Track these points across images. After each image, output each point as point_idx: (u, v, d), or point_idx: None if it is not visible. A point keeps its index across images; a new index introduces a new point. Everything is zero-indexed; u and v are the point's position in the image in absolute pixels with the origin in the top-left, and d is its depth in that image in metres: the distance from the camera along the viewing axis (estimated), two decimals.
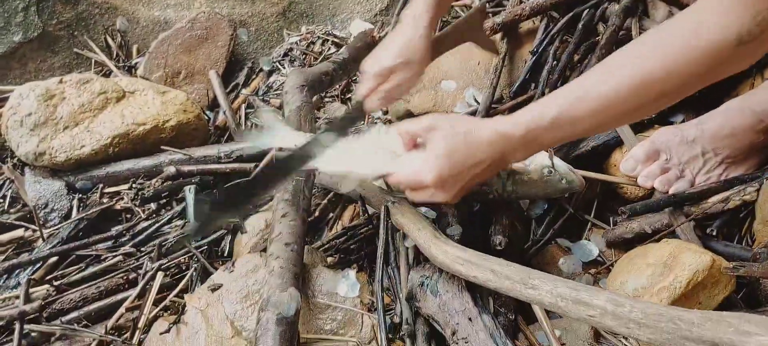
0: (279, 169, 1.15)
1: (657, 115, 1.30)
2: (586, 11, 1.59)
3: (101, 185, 1.47)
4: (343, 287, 1.07)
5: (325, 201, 1.36)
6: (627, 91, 0.85)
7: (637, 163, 1.19)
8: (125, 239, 1.32)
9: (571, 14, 1.60)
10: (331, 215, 1.33)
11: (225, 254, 1.29)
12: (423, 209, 1.19)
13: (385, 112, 1.77)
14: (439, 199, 1.00)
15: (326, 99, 1.86)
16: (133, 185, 1.44)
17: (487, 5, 1.85)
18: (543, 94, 1.44)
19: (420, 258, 1.13)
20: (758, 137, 1.14)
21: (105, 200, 1.43)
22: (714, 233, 1.09)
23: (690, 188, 1.15)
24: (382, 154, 1.07)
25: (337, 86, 1.88)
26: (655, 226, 1.13)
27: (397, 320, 1.06)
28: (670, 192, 1.15)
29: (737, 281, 1.01)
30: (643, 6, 1.60)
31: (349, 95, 1.88)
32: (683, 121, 1.28)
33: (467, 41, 1.43)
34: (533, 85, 1.53)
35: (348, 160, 1.10)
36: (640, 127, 1.30)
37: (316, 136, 1.13)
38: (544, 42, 1.57)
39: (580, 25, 1.56)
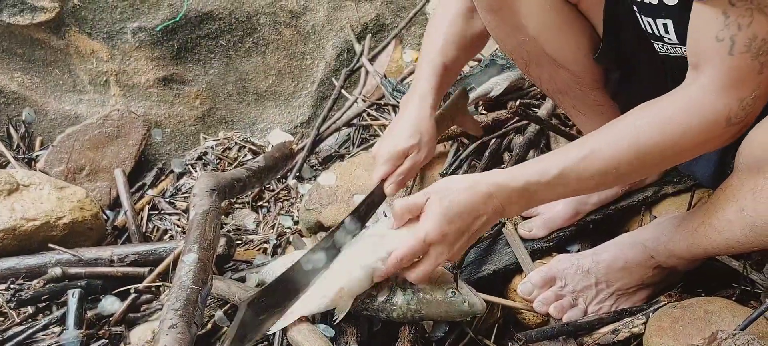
0: (302, 272, 1.09)
1: (554, 243, 1.34)
2: (493, 140, 1.66)
3: None
4: None
5: (222, 312, 1.30)
6: (632, 158, 0.93)
7: (534, 288, 1.21)
8: None
9: (479, 142, 1.66)
10: (224, 328, 1.26)
11: None
12: (321, 327, 1.15)
13: (296, 222, 1.76)
14: (444, 257, 1.01)
15: (236, 205, 1.83)
16: (12, 286, 1.33)
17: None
18: None
19: None
20: (648, 272, 1.18)
21: None
22: None
23: (582, 316, 1.17)
24: (365, 246, 1.06)
25: (249, 193, 1.86)
26: None
27: None
28: (564, 319, 1.17)
29: None
30: (546, 140, 1.69)
31: (261, 203, 1.85)
32: (579, 250, 1.33)
33: (455, 124, 1.48)
34: None
35: (334, 279, 1.07)
36: (538, 254, 1.33)
37: (340, 224, 1.12)
38: (454, 165, 1.63)
39: (487, 153, 1.63)
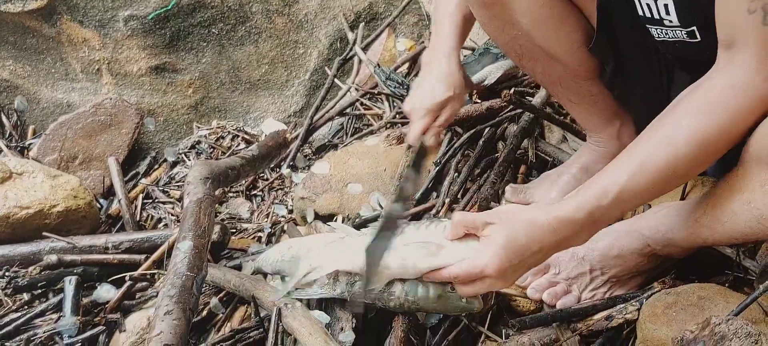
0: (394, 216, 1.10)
1: None
2: (487, 129, 1.67)
3: None
4: None
5: (216, 300, 1.30)
6: (684, 156, 0.91)
7: (528, 275, 1.22)
8: None
9: (473, 131, 1.67)
10: (219, 315, 1.27)
11: None
12: (316, 313, 1.16)
13: (290, 211, 1.76)
14: (497, 287, 1.01)
15: (230, 194, 1.83)
16: (6, 273, 1.32)
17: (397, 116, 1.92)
18: (443, 204, 1.48)
19: None
20: (643, 260, 1.19)
21: None
22: None
23: (576, 303, 1.18)
24: (421, 248, 1.06)
25: (243, 182, 1.85)
26: (544, 340, 1.14)
27: None
28: (557, 306, 1.18)
29: None
30: (540, 128, 1.70)
31: (255, 192, 1.85)
32: None
33: None
34: (435, 193, 1.57)
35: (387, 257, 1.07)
36: None
37: (404, 177, 1.16)
38: (448, 154, 1.63)
39: (480, 142, 1.63)
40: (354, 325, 1.15)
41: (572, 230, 0.96)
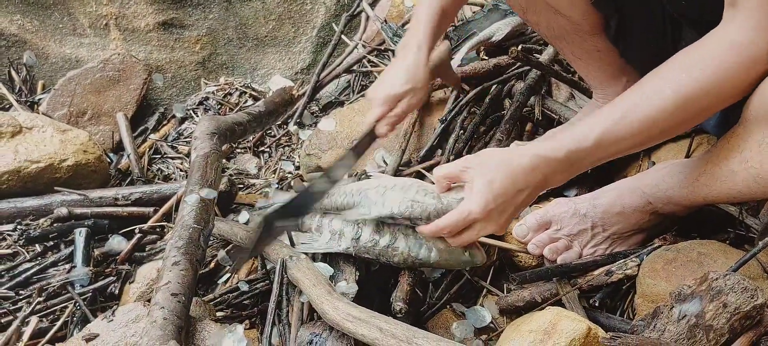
0: (314, 191, 1.15)
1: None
2: (493, 87, 1.66)
3: None
4: (228, 342, 1.03)
5: (224, 252, 1.33)
6: (671, 110, 0.91)
7: (529, 231, 1.23)
8: (3, 279, 1.23)
9: (479, 88, 1.66)
10: (226, 267, 1.29)
11: (112, 303, 1.22)
12: (321, 266, 1.18)
13: (297, 167, 1.77)
14: (488, 231, 1.04)
15: (238, 150, 1.85)
16: (19, 225, 1.36)
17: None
18: (448, 160, 1.48)
19: (313, 315, 1.11)
20: (644, 217, 1.20)
21: None
22: (597, 304, 1.13)
23: (577, 259, 1.19)
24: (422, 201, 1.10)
25: (251, 138, 1.87)
26: (545, 295, 1.16)
27: None
28: (558, 261, 1.19)
29: None
30: (547, 86, 1.69)
31: (263, 148, 1.87)
32: (576, 195, 1.34)
33: (439, 76, 1.49)
34: (440, 151, 1.57)
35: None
36: (536, 199, 1.34)
37: (340, 158, 1.18)
38: (453, 112, 1.63)
39: (487, 99, 1.63)
40: (357, 278, 1.17)
41: (551, 169, 0.98)
